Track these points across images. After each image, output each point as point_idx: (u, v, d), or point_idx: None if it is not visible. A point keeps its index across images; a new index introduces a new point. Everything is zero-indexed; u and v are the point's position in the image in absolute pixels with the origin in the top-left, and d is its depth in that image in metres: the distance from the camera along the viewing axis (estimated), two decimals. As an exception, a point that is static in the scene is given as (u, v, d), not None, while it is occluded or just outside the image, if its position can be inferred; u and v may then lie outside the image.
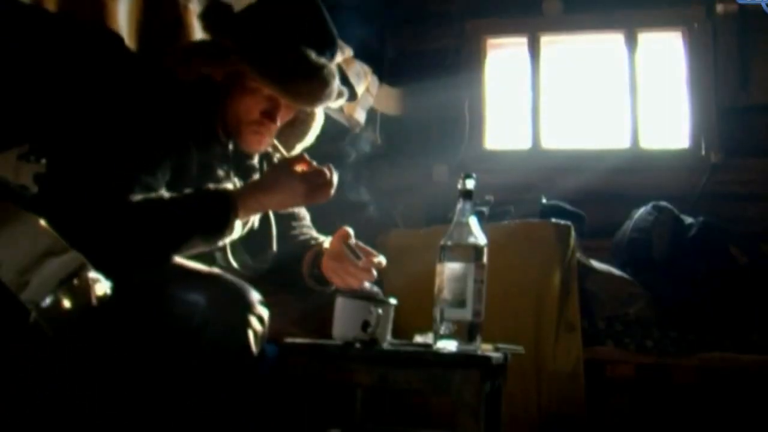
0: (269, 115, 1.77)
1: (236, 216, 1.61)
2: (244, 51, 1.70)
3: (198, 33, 1.92)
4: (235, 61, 1.71)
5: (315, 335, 1.68)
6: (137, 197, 1.53)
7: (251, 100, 1.76)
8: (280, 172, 1.69)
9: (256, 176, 1.88)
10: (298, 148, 1.97)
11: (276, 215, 1.91)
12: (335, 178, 1.71)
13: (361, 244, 1.84)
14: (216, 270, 1.63)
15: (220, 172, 1.77)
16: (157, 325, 1.48)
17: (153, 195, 1.56)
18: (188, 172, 1.68)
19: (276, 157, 1.95)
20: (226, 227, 1.59)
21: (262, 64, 1.69)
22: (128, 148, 1.58)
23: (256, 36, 1.71)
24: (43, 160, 1.81)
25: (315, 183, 1.68)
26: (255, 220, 1.84)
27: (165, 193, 1.59)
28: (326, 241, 1.91)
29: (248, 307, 1.49)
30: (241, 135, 1.78)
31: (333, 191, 1.71)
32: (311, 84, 1.72)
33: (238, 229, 1.65)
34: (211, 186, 1.66)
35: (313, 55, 1.71)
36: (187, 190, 1.62)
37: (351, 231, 1.83)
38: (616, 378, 2.65)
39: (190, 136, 1.69)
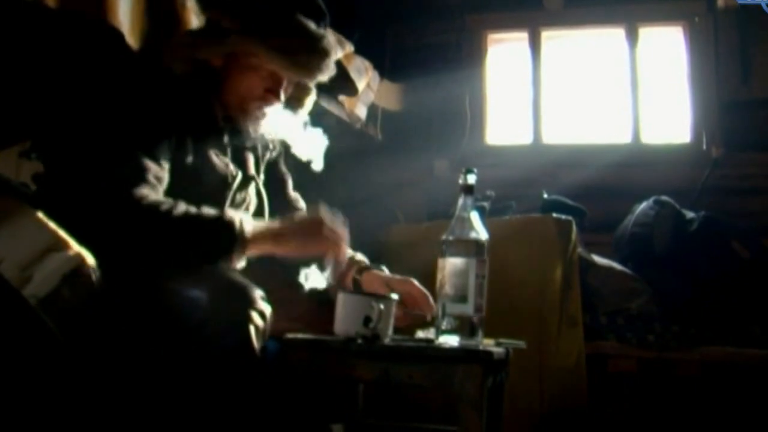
0: (274, 92, 1.77)
1: (242, 252, 1.59)
2: (246, 28, 1.69)
3: (197, 30, 1.92)
4: (235, 41, 1.70)
5: (317, 332, 1.68)
6: (146, 195, 1.52)
7: (254, 78, 1.75)
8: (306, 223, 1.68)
9: (252, 165, 1.89)
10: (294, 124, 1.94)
11: (271, 203, 1.91)
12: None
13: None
14: (217, 265, 1.63)
15: (218, 162, 1.76)
16: (158, 320, 1.48)
17: (165, 200, 1.55)
18: (185, 163, 1.68)
19: (272, 144, 1.94)
20: (227, 259, 1.58)
21: (265, 39, 1.69)
22: (128, 142, 1.57)
23: (255, 12, 1.70)
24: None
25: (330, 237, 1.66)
26: (252, 209, 1.85)
27: (180, 204, 1.56)
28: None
29: (250, 303, 1.49)
30: (246, 113, 1.77)
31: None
32: (313, 55, 1.73)
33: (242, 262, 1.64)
34: (228, 215, 1.59)
35: (312, 25, 1.72)
36: (209, 209, 1.59)
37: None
38: (618, 373, 2.66)
39: (187, 128, 1.69)
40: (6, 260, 1.29)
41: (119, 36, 1.77)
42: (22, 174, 1.86)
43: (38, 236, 1.35)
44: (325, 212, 1.68)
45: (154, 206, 1.52)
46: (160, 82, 1.69)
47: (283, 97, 1.79)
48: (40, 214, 1.39)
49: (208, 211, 1.58)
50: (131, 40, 1.82)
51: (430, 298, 1.78)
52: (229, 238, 1.56)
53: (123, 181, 1.52)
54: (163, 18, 1.92)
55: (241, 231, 1.57)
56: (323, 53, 1.74)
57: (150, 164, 1.57)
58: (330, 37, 1.77)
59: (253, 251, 1.61)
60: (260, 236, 1.61)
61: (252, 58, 1.72)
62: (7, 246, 1.31)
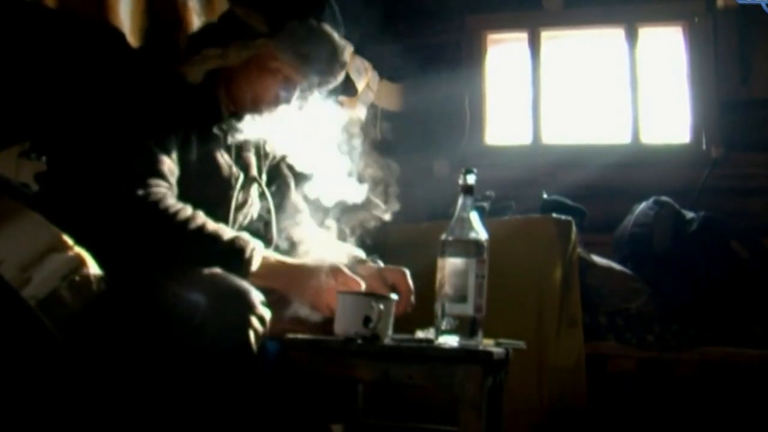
0: (286, 98, 1.77)
1: (246, 275, 1.59)
2: (276, 32, 1.69)
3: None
4: (264, 44, 1.70)
5: (318, 332, 1.67)
6: (162, 197, 1.53)
7: (270, 80, 1.75)
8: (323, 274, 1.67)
9: (254, 166, 1.89)
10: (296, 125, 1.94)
11: (273, 204, 1.91)
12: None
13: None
14: (217, 270, 1.63)
15: (222, 163, 1.76)
16: (158, 322, 1.48)
17: (183, 207, 1.55)
18: (189, 163, 1.68)
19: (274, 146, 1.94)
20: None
21: (295, 46, 1.69)
22: (140, 135, 1.57)
23: (286, 17, 1.71)
24: (44, 159, 1.81)
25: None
26: (254, 210, 1.85)
27: (198, 215, 1.57)
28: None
29: (249, 307, 1.48)
30: (254, 113, 1.77)
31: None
32: (334, 65, 1.76)
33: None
34: (241, 241, 1.60)
35: (336, 35, 1.73)
36: (226, 229, 1.60)
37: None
38: (617, 373, 2.66)
39: (192, 127, 1.69)
40: (6, 261, 1.29)
41: (120, 36, 1.77)
42: (22, 174, 1.86)
43: (38, 237, 1.35)
44: (342, 265, 1.68)
45: (172, 213, 1.53)
46: (163, 80, 1.69)
47: (293, 100, 1.80)
48: (40, 215, 1.39)
49: (225, 231, 1.58)
50: (132, 39, 1.82)
51: (413, 297, 1.78)
52: (236, 265, 1.57)
53: (137, 174, 1.52)
54: (164, 18, 1.92)
55: (249, 263, 1.58)
56: (344, 64, 1.76)
57: (163, 157, 1.57)
58: (348, 47, 1.78)
59: (258, 282, 1.60)
60: (268, 271, 1.62)
61: (273, 61, 1.72)
62: (6, 247, 1.31)
